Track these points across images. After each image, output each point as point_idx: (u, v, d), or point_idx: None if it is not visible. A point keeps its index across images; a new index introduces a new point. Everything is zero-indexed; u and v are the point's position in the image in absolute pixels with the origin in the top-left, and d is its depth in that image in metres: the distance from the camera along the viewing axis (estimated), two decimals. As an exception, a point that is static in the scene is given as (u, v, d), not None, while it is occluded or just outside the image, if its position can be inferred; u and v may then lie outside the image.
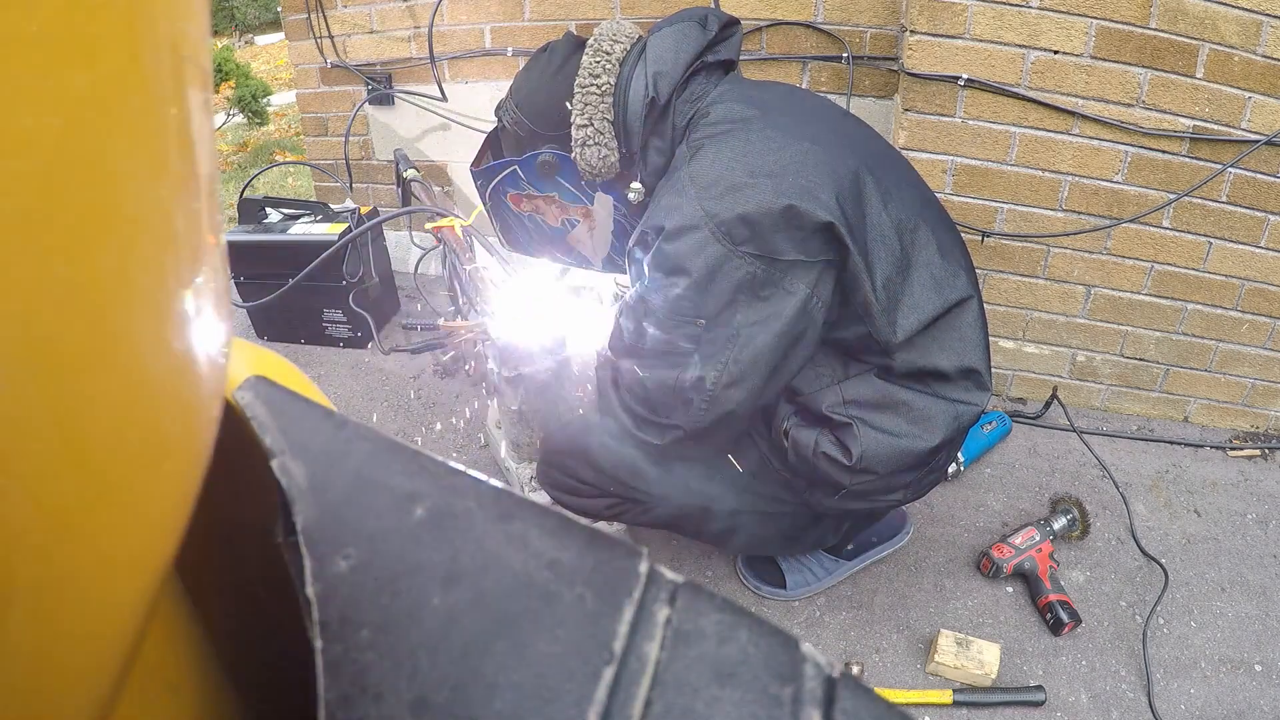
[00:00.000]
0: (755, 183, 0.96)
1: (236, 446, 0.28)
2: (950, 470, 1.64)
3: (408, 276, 2.12)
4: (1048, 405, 1.83)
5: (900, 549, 1.49)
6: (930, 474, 1.16)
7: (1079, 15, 1.46)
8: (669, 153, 1.10)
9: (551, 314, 1.35)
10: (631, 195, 1.15)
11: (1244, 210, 1.59)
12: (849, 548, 1.42)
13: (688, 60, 1.08)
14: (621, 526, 1.42)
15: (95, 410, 0.18)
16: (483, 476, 0.27)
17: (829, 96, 1.58)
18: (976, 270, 1.18)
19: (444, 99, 2.17)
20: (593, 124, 1.09)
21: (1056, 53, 1.50)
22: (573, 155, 1.13)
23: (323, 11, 2.22)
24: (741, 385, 1.02)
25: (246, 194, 2.22)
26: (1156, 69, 1.48)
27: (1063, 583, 1.42)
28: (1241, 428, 1.85)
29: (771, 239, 0.96)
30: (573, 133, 1.10)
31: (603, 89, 1.08)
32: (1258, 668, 1.31)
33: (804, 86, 1.89)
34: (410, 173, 2.01)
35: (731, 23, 1.15)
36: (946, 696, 1.24)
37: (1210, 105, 1.49)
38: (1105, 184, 1.61)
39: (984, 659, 1.26)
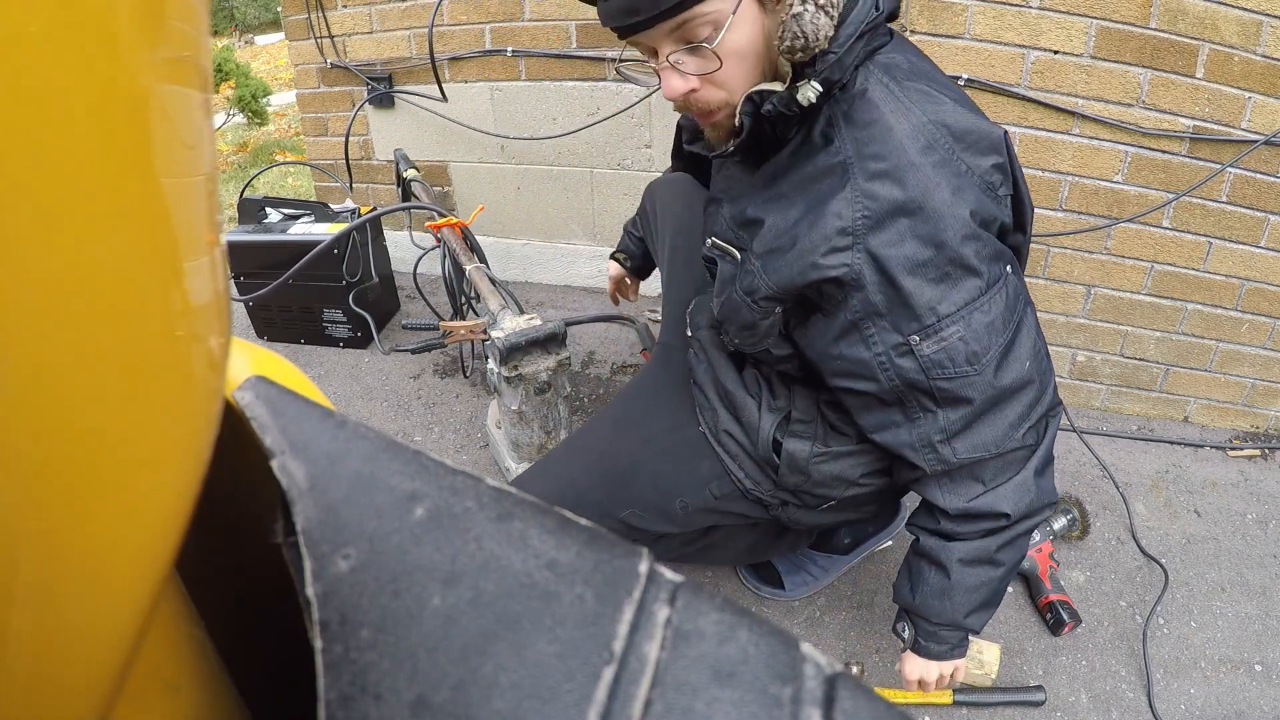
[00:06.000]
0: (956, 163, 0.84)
1: (236, 446, 0.28)
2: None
3: (408, 276, 2.12)
4: (1048, 405, 1.83)
5: (900, 549, 1.49)
6: None
7: (1079, 15, 1.46)
8: (831, 80, 0.83)
9: None
10: (800, 95, 0.83)
11: (1244, 210, 1.59)
12: (845, 541, 1.42)
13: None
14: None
15: (95, 410, 0.18)
16: (482, 476, 0.27)
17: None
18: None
19: (444, 99, 2.17)
20: None
21: (1056, 53, 1.50)
22: (783, 13, 0.80)
23: (323, 11, 2.22)
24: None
25: (246, 194, 2.22)
26: (1156, 69, 1.48)
27: (1063, 583, 1.42)
28: (1241, 428, 1.85)
29: (990, 231, 0.88)
30: None
31: None
32: (1258, 668, 1.31)
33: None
34: (410, 173, 2.01)
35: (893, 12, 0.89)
36: (946, 696, 1.24)
37: (1210, 105, 1.49)
38: (1105, 184, 1.61)
39: (984, 659, 1.26)
